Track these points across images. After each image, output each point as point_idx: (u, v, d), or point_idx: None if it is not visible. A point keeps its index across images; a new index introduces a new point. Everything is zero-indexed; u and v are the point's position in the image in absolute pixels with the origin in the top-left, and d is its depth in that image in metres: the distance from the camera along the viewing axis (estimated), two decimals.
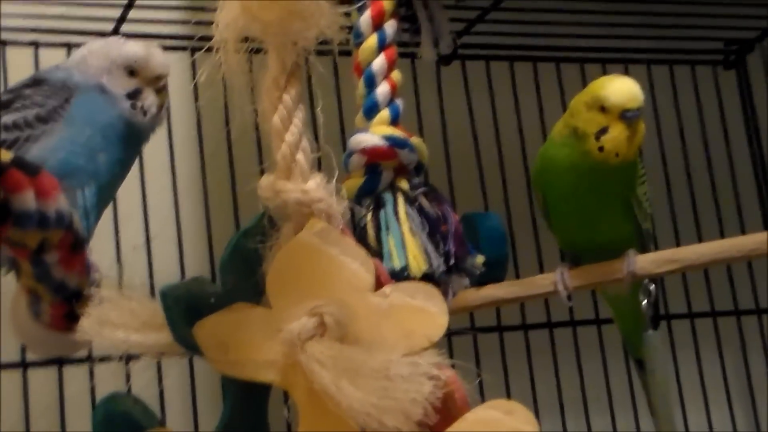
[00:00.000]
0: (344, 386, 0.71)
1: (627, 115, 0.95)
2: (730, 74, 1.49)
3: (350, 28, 0.88)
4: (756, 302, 1.42)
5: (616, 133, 0.95)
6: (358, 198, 0.99)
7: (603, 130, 0.95)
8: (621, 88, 0.96)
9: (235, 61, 0.79)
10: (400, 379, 0.71)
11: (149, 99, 0.99)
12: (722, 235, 1.27)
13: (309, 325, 0.75)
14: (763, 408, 1.41)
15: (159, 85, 1.00)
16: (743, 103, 1.50)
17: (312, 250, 0.79)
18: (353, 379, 0.71)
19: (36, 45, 1.16)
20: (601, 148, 0.95)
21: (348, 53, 0.98)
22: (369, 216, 0.99)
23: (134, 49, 0.99)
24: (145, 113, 0.99)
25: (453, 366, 0.74)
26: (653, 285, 1.03)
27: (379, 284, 0.79)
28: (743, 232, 1.35)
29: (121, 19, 1.16)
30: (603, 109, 0.95)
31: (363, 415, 0.70)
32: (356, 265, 0.78)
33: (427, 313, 0.76)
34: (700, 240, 1.16)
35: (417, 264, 0.96)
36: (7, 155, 0.79)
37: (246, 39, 0.79)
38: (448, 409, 0.73)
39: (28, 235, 0.82)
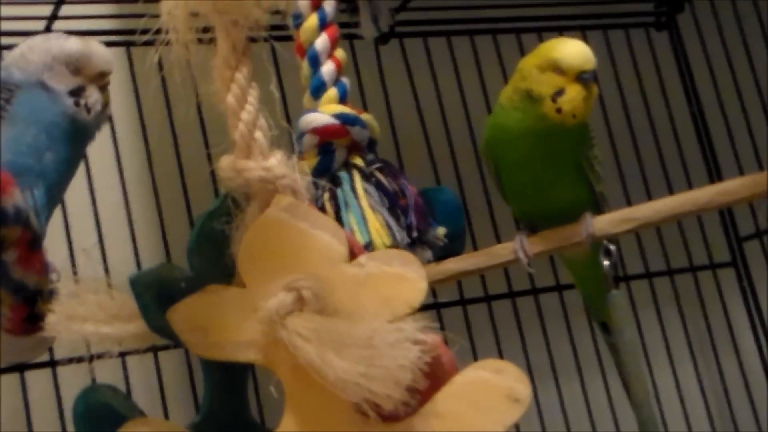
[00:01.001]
0: (330, 358, 0.71)
1: (584, 77, 0.95)
2: (663, 35, 1.50)
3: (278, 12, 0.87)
4: (710, 257, 1.44)
5: (574, 93, 0.95)
6: (313, 178, 0.97)
7: (560, 92, 0.95)
8: (575, 50, 0.96)
9: (185, 44, 0.77)
10: (386, 346, 0.70)
11: (93, 96, 0.97)
12: (671, 192, 1.27)
13: (287, 300, 0.74)
14: (727, 360, 1.42)
15: (102, 82, 0.98)
16: (678, 63, 1.51)
17: (282, 226, 0.78)
18: (338, 350, 0.71)
19: None
20: (558, 110, 0.95)
21: (284, 38, 0.97)
22: (326, 195, 0.98)
23: (76, 45, 0.97)
24: (89, 111, 0.96)
25: None
26: (613, 246, 1.03)
27: (352, 255, 0.78)
28: (690, 187, 1.35)
29: (53, 17, 1.13)
30: (558, 71, 0.95)
31: (352, 385, 0.70)
32: (328, 237, 0.78)
33: (405, 279, 0.76)
34: (650, 199, 1.16)
35: (380, 239, 0.96)
36: None
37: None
38: (436, 374, 0.72)
39: None
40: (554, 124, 0.96)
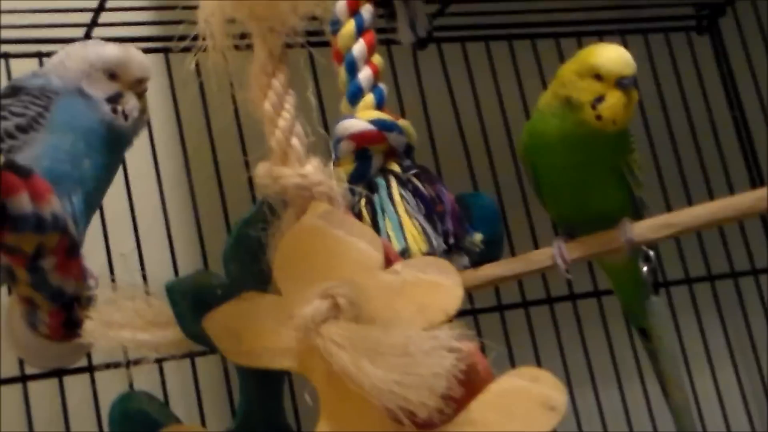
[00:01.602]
0: (365, 366, 0.70)
1: (623, 83, 0.94)
2: (704, 39, 1.49)
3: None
4: (752, 263, 1.42)
5: (614, 100, 0.94)
6: (350, 184, 0.97)
7: (599, 99, 0.94)
8: (615, 56, 0.95)
9: (222, 50, 0.78)
10: (421, 354, 0.70)
11: (130, 103, 0.97)
12: (711, 198, 1.26)
13: (322, 307, 0.73)
14: None
15: (140, 88, 0.99)
16: (720, 67, 1.50)
17: (318, 233, 0.78)
18: (373, 358, 0.70)
19: (6, 56, 1.13)
20: (598, 117, 0.94)
21: (321, 44, 0.97)
22: (363, 201, 0.98)
23: (114, 52, 0.97)
24: (126, 117, 0.97)
25: None
26: (652, 251, 1.02)
27: (388, 262, 0.78)
28: (731, 192, 1.34)
29: (92, 24, 1.14)
30: (598, 77, 0.94)
31: (387, 393, 0.69)
32: (364, 244, 0.78)
33: (440, 286, 0.75)
34: (690, 204, 1.15)
35: (417, 245, 0.95)
36: None
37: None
38: (471, 381, 0.71)
39: (24, 239, 0.81)
40: (594, 130, 0.95)
